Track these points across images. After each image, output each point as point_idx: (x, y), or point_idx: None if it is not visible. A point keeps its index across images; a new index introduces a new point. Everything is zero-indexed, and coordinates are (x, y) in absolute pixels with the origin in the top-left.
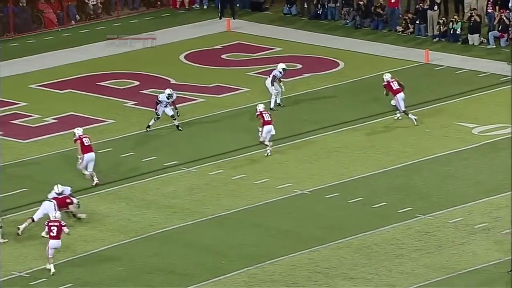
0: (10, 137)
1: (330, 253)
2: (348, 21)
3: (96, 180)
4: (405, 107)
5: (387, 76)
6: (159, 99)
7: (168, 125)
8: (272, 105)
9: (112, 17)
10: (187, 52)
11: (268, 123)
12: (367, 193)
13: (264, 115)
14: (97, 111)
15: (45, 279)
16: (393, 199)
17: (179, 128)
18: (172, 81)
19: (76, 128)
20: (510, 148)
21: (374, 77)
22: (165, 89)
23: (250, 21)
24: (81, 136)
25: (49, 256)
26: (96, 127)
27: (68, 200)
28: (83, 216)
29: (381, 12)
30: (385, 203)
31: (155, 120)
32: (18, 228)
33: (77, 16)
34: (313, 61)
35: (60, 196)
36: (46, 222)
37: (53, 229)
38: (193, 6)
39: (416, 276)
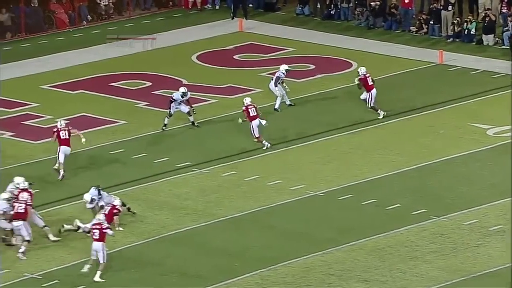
0: (21, 137)
1: (344, 255)
2: (361, 22)
3: (62, 173)
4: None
5: (362, 70)
6: (173, 97)
7: (181, 126)
8: (276, 106)
9: (123, 17)
10: (199, 53)
11: (253, 118)
12: (380, 194)
13: (249, 110)
14: (108, 112)
15: (57, 281)
16: (407, 201)
17: (195, 124)
18: (184, 81)
19: (59, 121)
20: None
21: (388, 78)
22: (178, 89)
23: (263, 21)
24: (59, 129)
25: (91, 257)
26: (108, 128)
27: (114, 211)
28: (120, 228)
29: (395, 12)
30: (399, 205)
31: (168, 118)
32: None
33: (88, 16)
34: (326, 61)
35: (107, 212)
36: (91, 225)
37: (95, 232)
38: (205, 7)
39: (431, 278)
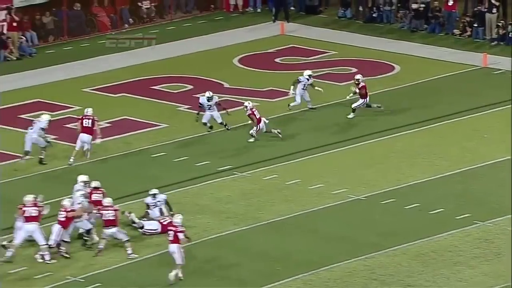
0: (64, 141)
1: (387, 260)
2: (404, 24)
3: (87, 155)
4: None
5: (362, 77)
6: (200, 101)
7: (222, 129)
8: (310, 105)
9: (165, 20)
10: (240, 56)
11: (260, 119)
12: (424, 199)
13: (255, 112)
14: (150, 115)
15: (99, 284)
16: (451, 205)
17: (227, 128)
18: (226, 85)
19: (86, 109)
20: None
21: (431, 81)
22: (213, 93)
23: (304, 24)
24: (83, 117)
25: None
26: (149, 131)
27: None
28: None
29: (438, 15)
30: (442, 209)
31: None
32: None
33: (130, 19)
34: (368, 64)
35: (165, 222)
36: (172, 226)
37: (170, 233)
38: (247, 9)
39: (475, 284)
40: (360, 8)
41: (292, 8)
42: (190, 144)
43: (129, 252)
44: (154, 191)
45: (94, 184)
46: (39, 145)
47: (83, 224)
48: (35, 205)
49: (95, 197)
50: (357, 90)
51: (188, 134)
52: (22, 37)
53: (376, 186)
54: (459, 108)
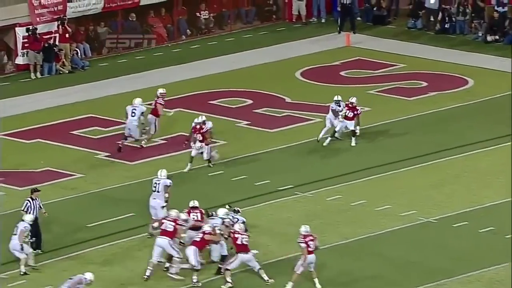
0: (117, 158)
1: (459, 287)
2: (478, 35)
3: (143, 142)
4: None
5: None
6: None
7: (282, 147)
8: (320, 136)
9: (224, 31)
10: (303, 69)
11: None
12: (499, 221)
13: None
14: None
15: None
16: None
17: (209, 165)
18: (287, 99)
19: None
20: None
21: (506, 96)
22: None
23: (372, 35)
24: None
25: (298, 272)
26: None
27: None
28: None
29: None
30: None
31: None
32: None
33: (188, 30)
34: (439, 78)
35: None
36: (303, 236)
37: (310, 244)
38: (311, 20)
39: None
40: (431, 19)
41: (358, 18)
42: (249, 162)
43: (266, 278)
44: (239, 209)
45: (192, 203)
46: (133, 136)
47: (221, 249)
48: (174, 221)
49: (193, 216)
50: (350, 113)
51: (247, 152)
52: (76, 49)
53: (448, 208)
54: None
